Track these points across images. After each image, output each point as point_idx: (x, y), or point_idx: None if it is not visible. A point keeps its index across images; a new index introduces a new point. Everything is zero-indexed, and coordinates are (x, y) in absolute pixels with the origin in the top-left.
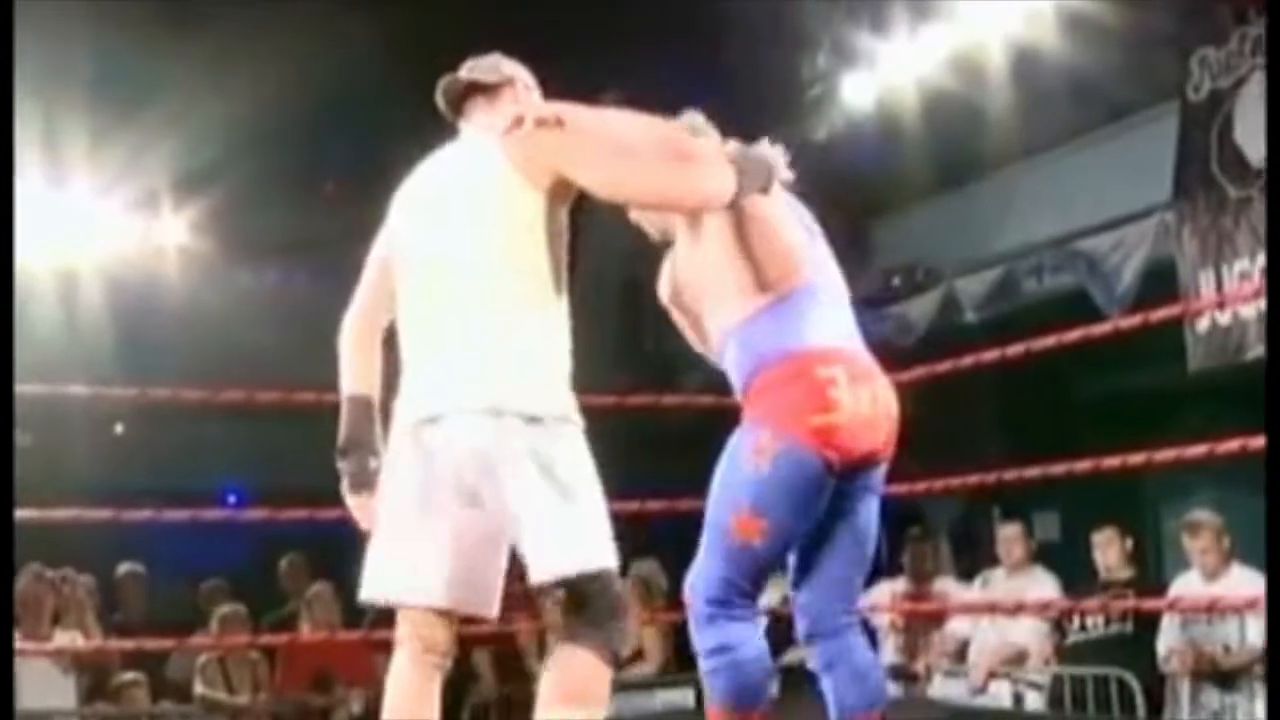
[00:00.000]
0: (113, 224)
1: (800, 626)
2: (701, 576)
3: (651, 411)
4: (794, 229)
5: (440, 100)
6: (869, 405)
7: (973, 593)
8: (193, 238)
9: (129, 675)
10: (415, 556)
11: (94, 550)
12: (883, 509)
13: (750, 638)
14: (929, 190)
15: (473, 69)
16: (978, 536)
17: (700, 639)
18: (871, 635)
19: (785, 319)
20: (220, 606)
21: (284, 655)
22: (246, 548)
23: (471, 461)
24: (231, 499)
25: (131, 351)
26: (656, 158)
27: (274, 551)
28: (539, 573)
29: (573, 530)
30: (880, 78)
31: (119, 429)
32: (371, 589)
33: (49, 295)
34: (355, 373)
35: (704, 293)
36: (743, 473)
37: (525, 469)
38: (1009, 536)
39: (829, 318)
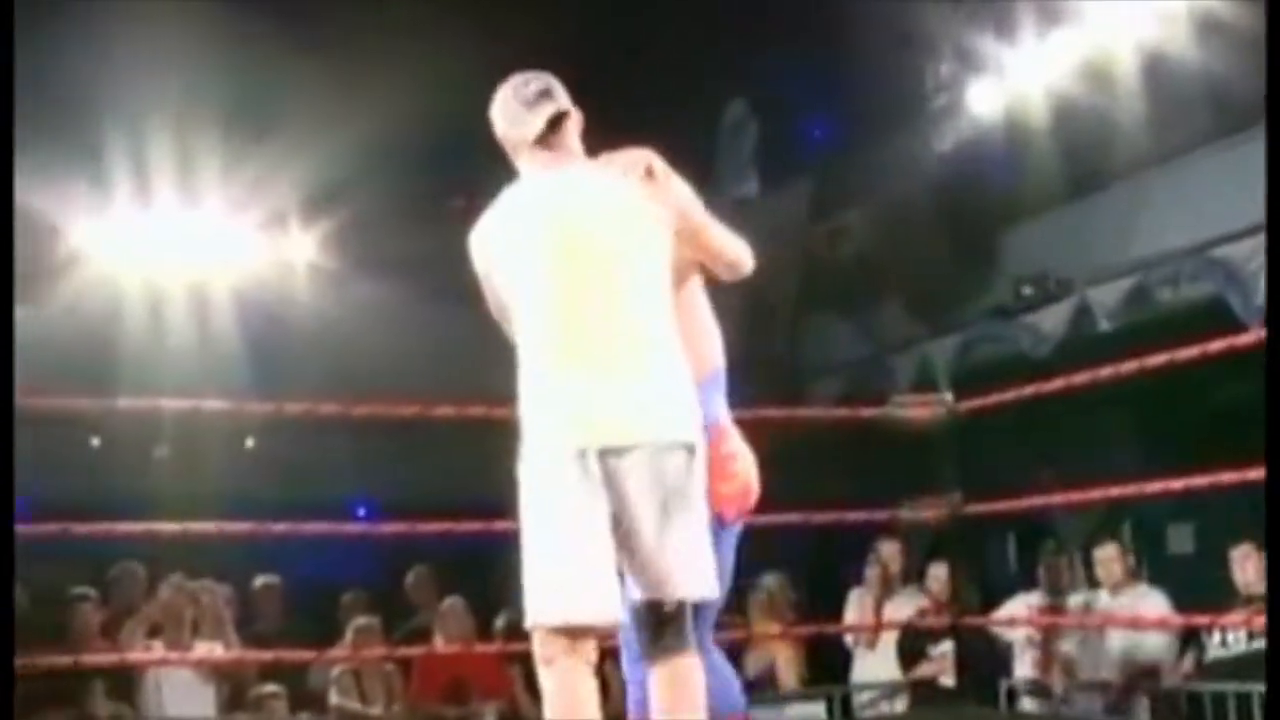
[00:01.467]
0: (244, 241)
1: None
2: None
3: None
4: None
5: (540, 126)
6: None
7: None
8: (322, 254)
9: (269, 687)
10: (602, 580)
11: (228, 562)
12: (1014, 523)
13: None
14: (1059, 198)
15: (549, 91)
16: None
17: None
18: (1004, 649)
19: (703, 394)
20: (356, 618)
21: (419, 667)
22: (376, 561)
23: (653, 492)
24: (361, 512)
25: (262, 366)
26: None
27: (403, 564)
28: (680, 593)
29: (694, 559)
30: (1008, 85)
31: (250, 443)
32: (551, 614)
33: (183, 311)
34: None
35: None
36: None
37: (685, 497)
38: (1107, 557)
39: (722, 398)
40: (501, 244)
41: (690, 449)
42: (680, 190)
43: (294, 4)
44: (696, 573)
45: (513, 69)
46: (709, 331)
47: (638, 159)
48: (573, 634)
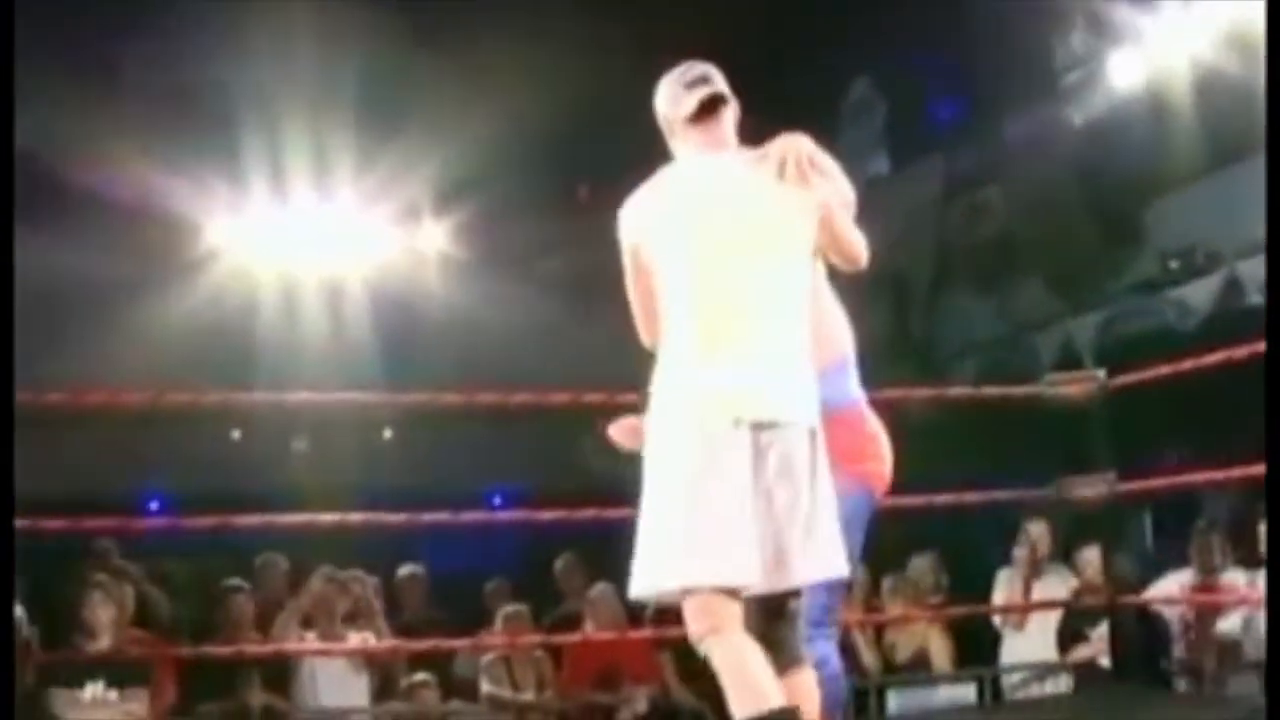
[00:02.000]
0: (378, 235)
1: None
2: (803, 603)
3: (909, 404)
4: None
5: (693, 105)
6: None
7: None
8: (453, 245)
9: (419, 675)
10: (749, 544)
11: (369, 553)
12: (1162, 501)
13: (834, 653)
14: (1205, 169)
15: (708, 78)
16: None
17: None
18: (1162, 630)
19: (842, 376)
20: (504, 606)
21: (570, 654)
22: (514, 549)
23: (792, 470)
24: (496, 501)
25: (395, 358)
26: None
27: (540, 552)
28: (809, 575)
29: (834, 539)
30: (1149, 55)
31: (388, 434)
32: (714, 575)
33: (319, 305)
34: None
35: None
36: None
37: (815, 479)
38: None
39: (857, 381)
40: (656, 219)
41: (814, 434)
42: (828, 182)
43: (424, 1)
44: (821, 556)
45: (635, 57)
46: (838, 316)
47: (793, 148)
48: (728, 596)
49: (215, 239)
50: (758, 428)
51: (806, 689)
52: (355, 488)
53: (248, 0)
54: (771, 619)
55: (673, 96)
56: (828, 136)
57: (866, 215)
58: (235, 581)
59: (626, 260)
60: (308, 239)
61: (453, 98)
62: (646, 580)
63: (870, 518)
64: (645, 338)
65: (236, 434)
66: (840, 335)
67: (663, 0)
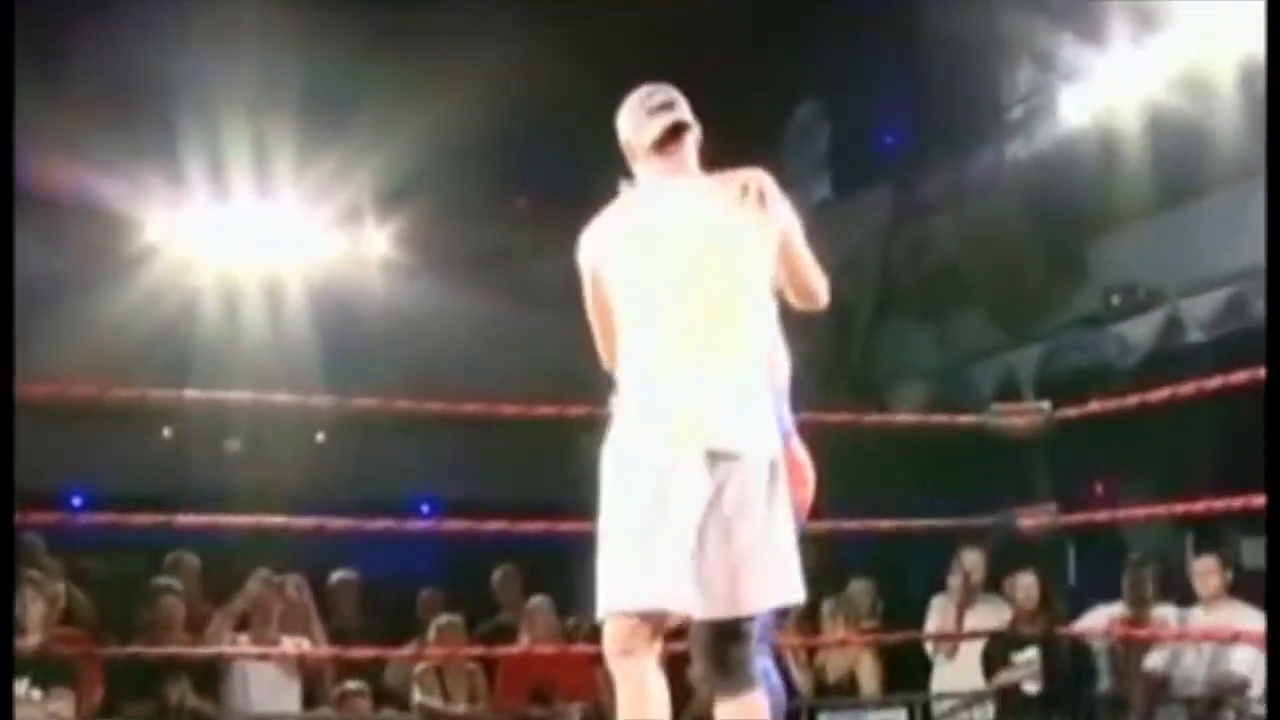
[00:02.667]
0: (318, 236)
1: None
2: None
3: (850, 430)
4: None
5: (657, 132)
6: None
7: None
8: (395, 249)
9: (353, 683)
10: (687, 572)
11: (298, 557)
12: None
13: (772, 669)
14: (1152, 207)
15: (672, 104)
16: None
17: None
18: (1092, 661)
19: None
20: (438, 616)
21: (504, 667)
22: (444, 558)
23: (748, 500)
24: (425, 509)
25: (334, 360)
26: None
27: (473, 562)
28: (765, 601)
29: (790, 565)
30: (1099, 91)
31: (320, 438)
32: (644, 599)
33: (257, 305)
34: None
35: None
36: None
37: (772, 509)
38: (1205, 569)
39: (787, 408)
40: (615, 244)
41: (774, 465)
42: (786, 213)
43: (369, 2)
44: (779, 582)
45: (580, 68)
46: (777, 344)
47: (752, 179)
48: (657, 624)
49: (154, 236)
50: (715, 458)
51: (759, 710)
52: (287, 490)
53: None
54: (726, 642)
55: (636, 122)
56: (772, 158)
57: (810, 238)
58: (166, 581)
59: (586, 285)
60: (248, 238)
61: (397, 100)
62: (600, 602)
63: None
64: (606, 359)
65: (167, 432)
66: (780, 363)
67: (610, 12)
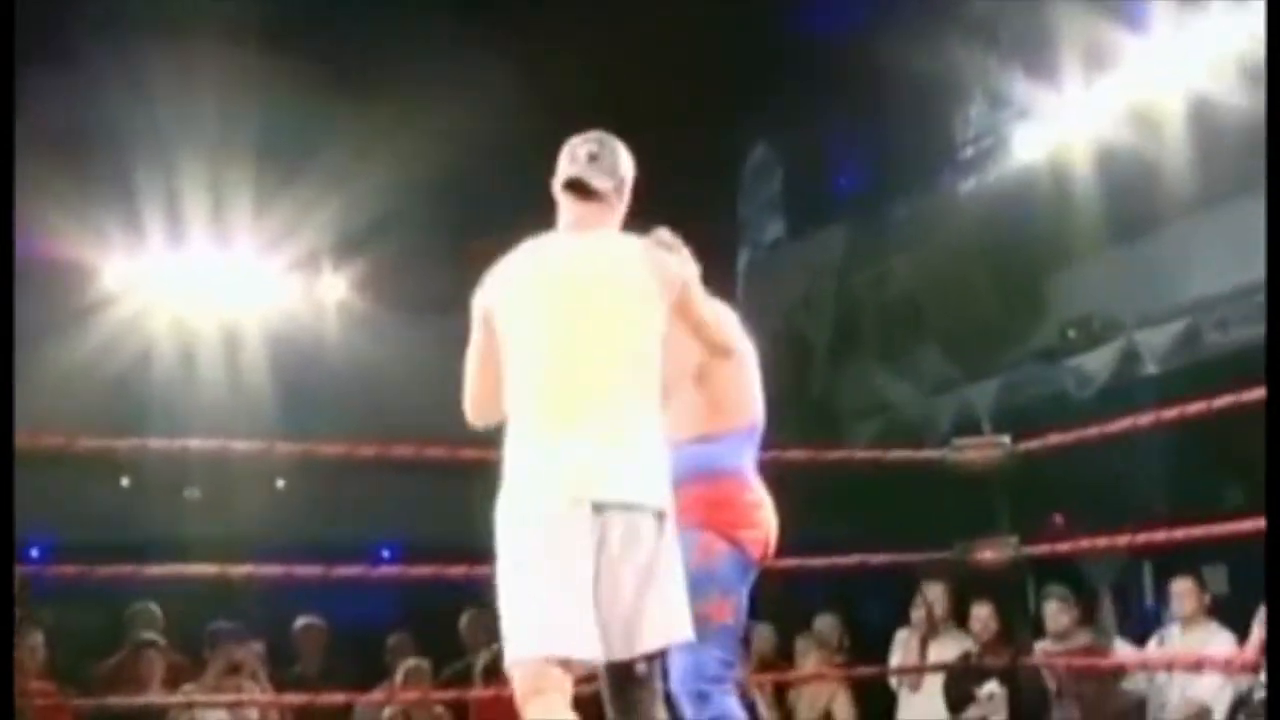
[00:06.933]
0: (276, 282)
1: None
2: (694, 662)
3: (811, 466)
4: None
5: (562, 181)
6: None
7: (1149, 651)
8: (353, 294)
9: None
10: (588, 618)
11: (259, 603)
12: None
13: (738, 707)
14: (1106, 241)
15: (597, 156)
16: (1140, 595)
17: (698, 714)
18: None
19: (734, 446)
20: (405, 660)
21: (475, 710)
22: (406, 602)
23: (633, 550)
24: (385, 554)
25: (294, 406)
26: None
27: (434, 606)
28: (655, 641)
29: (674, 607)
30: (1052, 128)
31: (280, 484)
32: (548, 646)
33: (214, 352)
34: None
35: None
36: (700, 569)
37: (659, 562)
38: (1182, 591)
39: (752, 451)
40: (512, 287)
41: (661, 516)
42: (687, 270)
43: (325, 47)
44: (666, 623)
45: (540, 112)
46: (747, 388)
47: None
48: (562, 668)
49: (111, 283)
50: (599, 509)
51: None
52: (247, 537)
53: (147, 42)
54: (622, 683)
55: (561, 163)
56: (727, 199)
57: (767, 277)
58: (149, 635)
59: (475, 325)
60: (205, 285)
61: (354, 146)
62: (506, 653)
63: (751, 580)
64: (472, 413)
65: (125, 480)
66: (746, 407)
67: (566, 58)
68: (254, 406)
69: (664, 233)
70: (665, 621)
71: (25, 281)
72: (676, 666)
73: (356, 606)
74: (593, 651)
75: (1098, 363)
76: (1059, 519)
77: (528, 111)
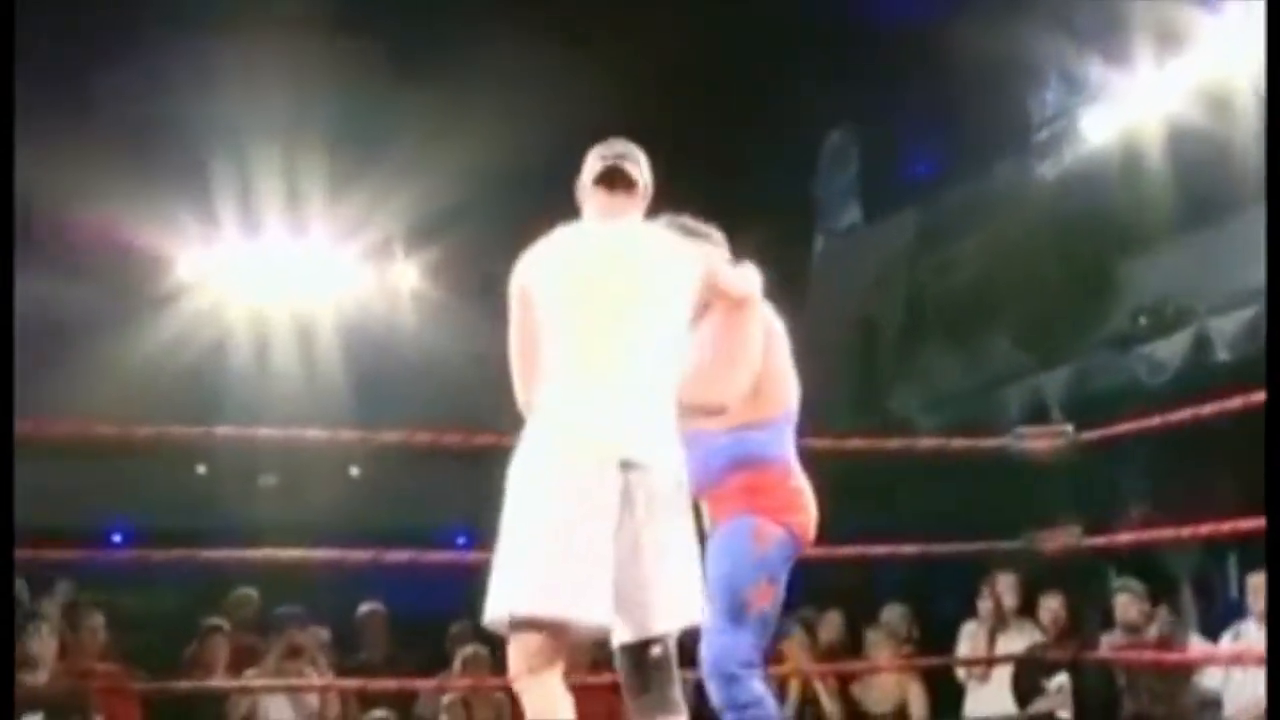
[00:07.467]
0: (349, 269)
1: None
2: (735, 646)
3: (876, 454)
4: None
5: (598, 171)
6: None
7: (1221, 647)
8: (425, 282)
9: (378, 714)
10: (603, 583)
11: (333, 590)
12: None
13: (768, 693)
14: (1179, 226)
15: (625, 156)
16: (1221, 587)
17: (731, 697)
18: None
19: (776, 433)
20: (465, 647)
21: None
22: (476, 589)
23: (657, 512)
24: (461, 540)
25: (367, 393)
26: None
27: None
28: (671, 621)
29: (693, 586)
30: (1124, 111)
31: (354, 471)
32: (554, 608)
33: (289, 340)
34: None
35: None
36: (753, 554)
37: (677, 526)
38: (1258, 585)
39: (792, 437)
40: (547, 265)
41: (680, 484)
42: (707, 248)
43: (397, 32)
44: (683, 601)
45: (615, 97)
46: (785, 374)
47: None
48: (560, 638)
49: (187, 273)
50: (626, 467)
51: None
52: (321, 525)
53: (219, 32)
54: (635, 665)
55: (589, 164)
56: (803, 187)
57: (840, 262)
58: (216, 621)
59: (514, 304)
60: (279, 274)
61: (426, 132)
62: (492, 607)
63: (784, 567)
64: (518, 386)
65: (202, 469)
66: (784, 393)
67: (644, 42)
68: (328, 394)
69: (687, 220)
70: (680, 600)
71: (104, 273)
72: (711, 648)
73: (425, 593)
74: (599, 617)
75: (1169, 350)
76: (1137, 509)
77: (606, 96)
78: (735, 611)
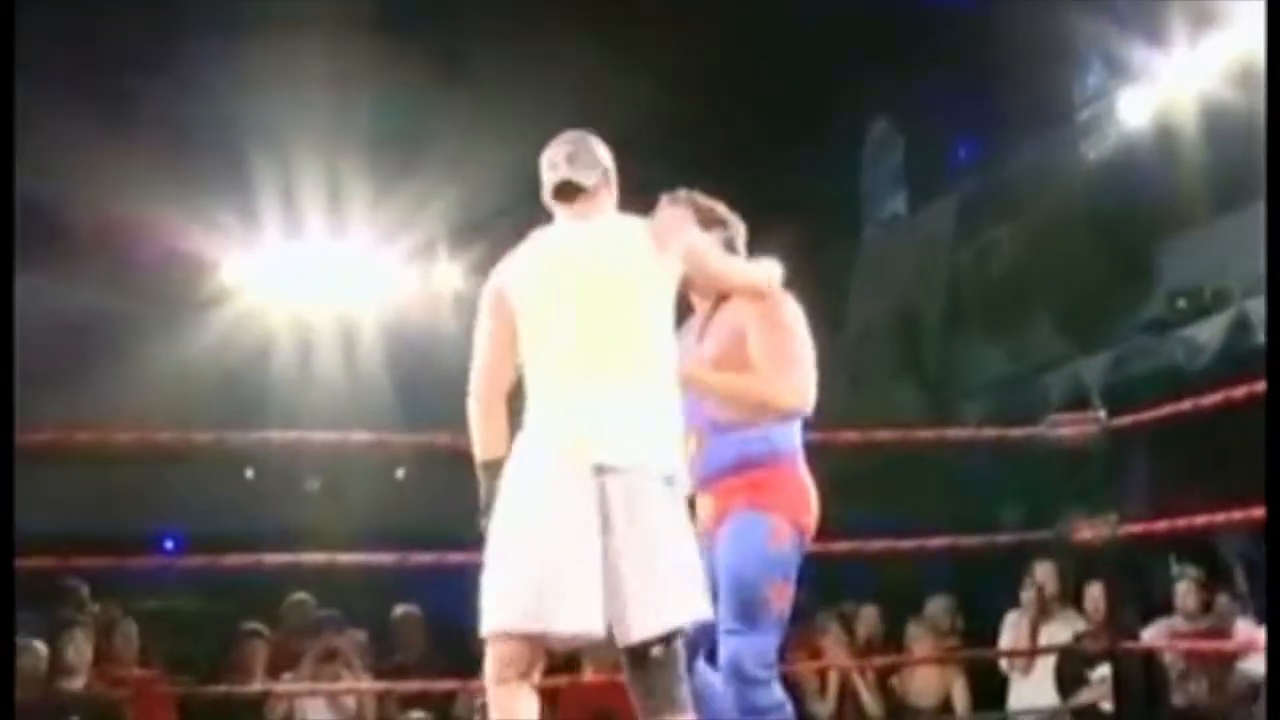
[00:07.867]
0: (392, 272)
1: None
2: (755, 647)
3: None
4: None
5: (548, 191)
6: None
7: (1260, 633)
8: (469, 284)
9: (416, 714)
10: (587, 590)
11: (376, 592)
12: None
13: (787, 699)
14: (1215, 208)
15: (571, 159)
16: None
17: (759, 700)
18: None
19: (790, 428)
20: None
21: (565, 697)
22: None
23: (640, 515)
24: None
25: (410, 396)
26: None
27: None
28: (670, 621)
29: (685, 585)
30: (1160, 93)
31: (399, 474)
32: (510, 620)
33: (332, 343)
34: (494, 438)
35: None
36: (771, 552)
37: (670, 526)
38: None
39: (799, 433)
40: (522, 273)
41: (669, 480)
42: (687, 240)
43: (440, 33)
44: (680, 600)
45: (659, 94)
46: (804, 370)
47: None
48: (534, 647)
49: (229, 277)
50: (600, 471)
51: None
52: (368, 527)
53: (260, 35)
54: (637, 667)
55: (542, 173)
56: (848, 176)
57: (882, 254)
58: (253, 625)
59: (486, 309)
60: (322, 277)
61: (469, 133)
62: (483, 621)
63: (795, 564)
64: (476, 392)
65: (250, 473)
66: (802, 389)
67: (687, 36)
68: (371, 397)
69: (662, 216)
70: (676, 599)
71: (145, 276)
72: (729, 649)
73: (465, 596)
74: (579, 624)
75: (1208, 333)
76: (1179, 494)
77: (649, 92)
78: (752, 611)
